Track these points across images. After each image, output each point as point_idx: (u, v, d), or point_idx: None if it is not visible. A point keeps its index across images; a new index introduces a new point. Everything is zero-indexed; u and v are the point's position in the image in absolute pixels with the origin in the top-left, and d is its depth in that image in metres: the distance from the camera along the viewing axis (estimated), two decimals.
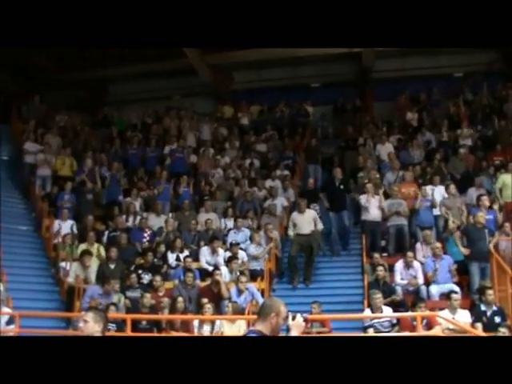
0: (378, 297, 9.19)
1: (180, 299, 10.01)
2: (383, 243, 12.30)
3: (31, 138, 15.63)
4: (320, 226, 12.11)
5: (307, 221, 11.92)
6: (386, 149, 15.17)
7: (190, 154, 16.19)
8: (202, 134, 17.54)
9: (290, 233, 12.02)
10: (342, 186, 13.28)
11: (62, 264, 11.67)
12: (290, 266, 12.08)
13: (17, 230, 13.49)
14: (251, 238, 12.30)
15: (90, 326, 4.09)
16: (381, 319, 9.03)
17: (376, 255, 11.14)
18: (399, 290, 10.21)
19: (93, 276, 11.14)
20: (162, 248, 11.94)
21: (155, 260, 11.71)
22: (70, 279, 11.18)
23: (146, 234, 12.67)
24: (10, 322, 8.77)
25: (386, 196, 12.57)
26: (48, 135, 16.12)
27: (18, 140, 16.79)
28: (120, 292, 10.39)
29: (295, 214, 12.17)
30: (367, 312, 9.33)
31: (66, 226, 12.65)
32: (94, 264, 11.36)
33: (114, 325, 9.00)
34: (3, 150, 16.85)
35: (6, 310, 9.09)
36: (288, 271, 12.21)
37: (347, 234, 13.06)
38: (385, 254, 11.85)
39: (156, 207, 13.54)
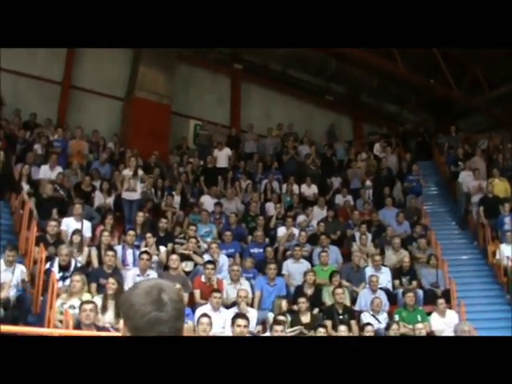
0: None
1: None
2: None
3: (465, 168, 15.59)
4: None
5: None
6: None
7: None
8: None
9: None
10: None
11: None
12: None
13: (459, 260, 13.47)
14: None
15: None
16: None
17: None
18: None
19: None
20: None
21: None
22: None
23: None
24: None
25: None
26: (474, 160, 15.79)
27: (443, 172, 17.02)
28: None
29: None
30: None
31: None
32: None
33: None
34: (430, 186, 17.22)
35: None
36: None
37: None
38: None
39: None
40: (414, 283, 11.16)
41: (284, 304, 9.37)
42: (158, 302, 1.91)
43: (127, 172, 12.73)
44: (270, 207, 13.97)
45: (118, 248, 10.22)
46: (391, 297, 10.78)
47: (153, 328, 1.89)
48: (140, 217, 11.32)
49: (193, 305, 9.22)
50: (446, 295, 10.76)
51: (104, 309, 8.18)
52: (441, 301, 10.10)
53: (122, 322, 3.09)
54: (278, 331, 7.83)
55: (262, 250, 11.61)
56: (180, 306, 1.98)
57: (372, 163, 16.67)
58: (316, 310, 9.83)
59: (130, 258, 10.23)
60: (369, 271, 11.07)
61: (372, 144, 18.34)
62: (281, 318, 8.60)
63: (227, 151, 15.96)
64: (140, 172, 12.89)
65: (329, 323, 9.25)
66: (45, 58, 15.72)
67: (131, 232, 10.52)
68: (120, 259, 10.02)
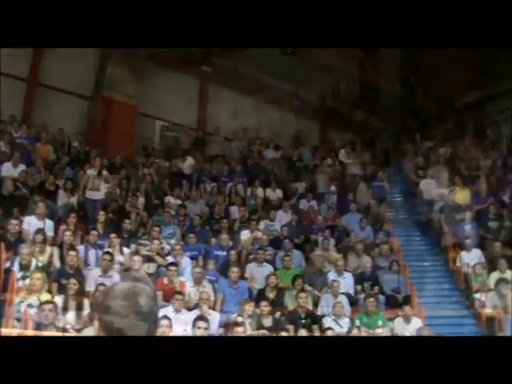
0: None
1: None
2: None
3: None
4: None
5: None
6: None
7: None
8: None
9: None
10: None
11: (477, 295, 11.27)
12: None
13: (421, 266, 13.57)
14: None
15: None
16: None
17: None
18: None
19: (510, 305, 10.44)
20: None
21: None
22: (488, 310, 10.74)
23: None
24: None
25: None
26: (437, 168, 16.01)
27: (410, 180, 17.25)
28: None
29: None
30: None
31: (472, 257, 12.19)
32: (510, 292, 10.66)
33: None
34: (395, 193, 17.41)
35: None
36: None
37: None
38: None
39: None
40: (376, 289, 11.28)
41: (248, 307, 9.36)
42: (135, 306, 1.91)
43: (92, 172, 12.61)
44: (235, 210, 13.99)
45: (81, 248, 10.13)
46: (353, 302, 10.87)
47: (130, 330, 1.89)
48: (101, 215, 11.25)
49: None
50: (408, 301, 10.89)
51: (65, 309, 8.10)
52: (407, 307, 10.15)
53: (96, 323, 3.03)
54: (239, 332, 7.85)
55: (226, 253, 11.61)
56: (156, 310, 1.99)
57: (337, 169, 16.80)
58: (278, 314, 9.86)
59: (92, 258, 10.14)
60: (332, 276, 11.15)
61: (338, 150, 18.48)
62: (239, 319, 8.62)
63: (190, 161, 15.96)
64: (104, 172, 12.80)
65: (291, 327, 9.29)
66: (11, 53, 15.38)
67: (94, 232, 10.45)
68: (82, 259, 9.92)
